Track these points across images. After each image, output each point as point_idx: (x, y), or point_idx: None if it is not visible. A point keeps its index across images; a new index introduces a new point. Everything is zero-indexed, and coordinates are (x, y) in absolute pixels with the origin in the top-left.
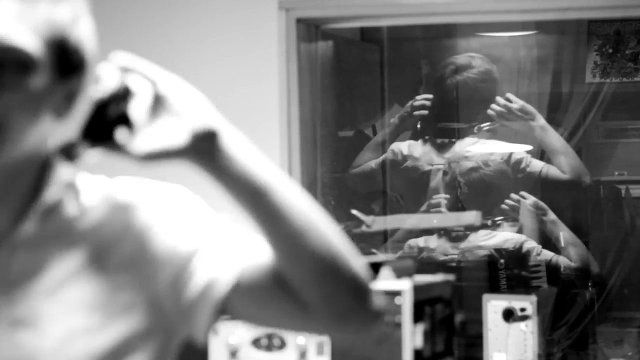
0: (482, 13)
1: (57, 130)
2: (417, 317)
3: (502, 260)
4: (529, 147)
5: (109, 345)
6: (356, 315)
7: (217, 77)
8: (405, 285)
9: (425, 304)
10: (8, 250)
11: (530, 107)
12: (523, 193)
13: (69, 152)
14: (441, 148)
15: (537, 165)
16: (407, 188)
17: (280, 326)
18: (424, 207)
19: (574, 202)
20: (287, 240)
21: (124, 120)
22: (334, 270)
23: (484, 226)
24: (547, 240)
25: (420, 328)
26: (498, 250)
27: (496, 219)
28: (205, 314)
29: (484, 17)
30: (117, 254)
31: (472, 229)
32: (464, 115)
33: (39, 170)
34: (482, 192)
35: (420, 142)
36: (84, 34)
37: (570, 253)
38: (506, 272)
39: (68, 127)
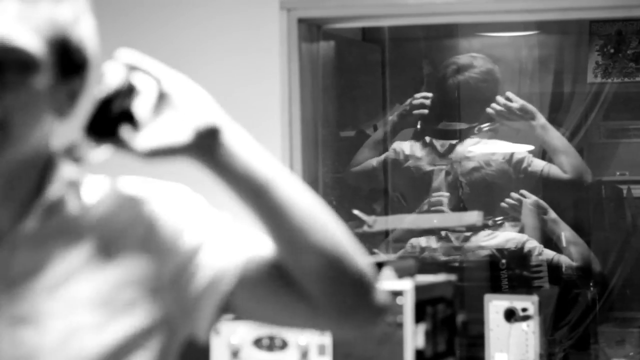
0: (484, 13)
1: (60, 129)
2: (419, 317)
3: (503, 260)
4: (531, 147)
5: (112, 342)
6: (360, 310)
7: (219, 77)
8: (406, 285)
9: (426, 304)
10: (10, 248)
11: (530, 106)
12: (523, 192)
13: (74, 153)
14: (443, 148)
15: (538, 164)
16: (409, 188)
17: (282, 323)
18: (424, 206)
19: (575, 201)
20: (291, 236)
21: (128, 117)
22: (337, 265)
23: (485, 226)
24: (549, 240)
25: (422, 328)
26: (500, 250)
27: (497, 218)
28: (209, 309)
29: (485, 17)
30: (125, 244)
31: (473, 229)
32: (466, 115)
33: (42, 169)
34: (484, 192)
35: (422, 141)
36: (86, 33)
37: (571, 252)
38: (508, 272)
39: (71, 127)
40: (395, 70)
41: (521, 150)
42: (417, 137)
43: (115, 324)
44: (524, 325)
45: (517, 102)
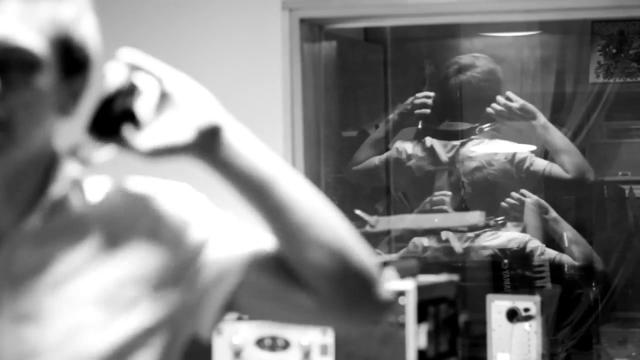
0: (486, 13)
1: (63, 127)
2: (421, 317)
3: (505, 260)
4: (533, 147)
5: (115, 341)
6: (364, 305)
7: (221, 77)
8: (409, 285)
9: (429, 304)
10: (14, 246)
11: (530, 106)
12: (523, 191)
13: (79, 154)
14: (445, 148)
15: (540, 164)
16: (411, 188)
17: (287, 320)
18: (426, 205)
19: (577, 201)
20: (294, 232)
21: (130, 116)
22: (341, 259)
23: (487, 226)
24: (551, 240)
25: (424, 328)
26: (502, 250)
27: (498, 218)
28: (214, 306)
29: (487, 17)
30: (130, 240)
31: (475, 229)
32: (468, 115)
33: (45, 167)
34: (486, 192)
35: (424, 141)
36: (88, 32)
37: (574, 252)
38: (510, 272)
39: (74, 125)
40: (398, 70)
41: (523, 150)
42: (420, 136)
43: (119, 322)
44: (526, 325)
45: (518, 102)
